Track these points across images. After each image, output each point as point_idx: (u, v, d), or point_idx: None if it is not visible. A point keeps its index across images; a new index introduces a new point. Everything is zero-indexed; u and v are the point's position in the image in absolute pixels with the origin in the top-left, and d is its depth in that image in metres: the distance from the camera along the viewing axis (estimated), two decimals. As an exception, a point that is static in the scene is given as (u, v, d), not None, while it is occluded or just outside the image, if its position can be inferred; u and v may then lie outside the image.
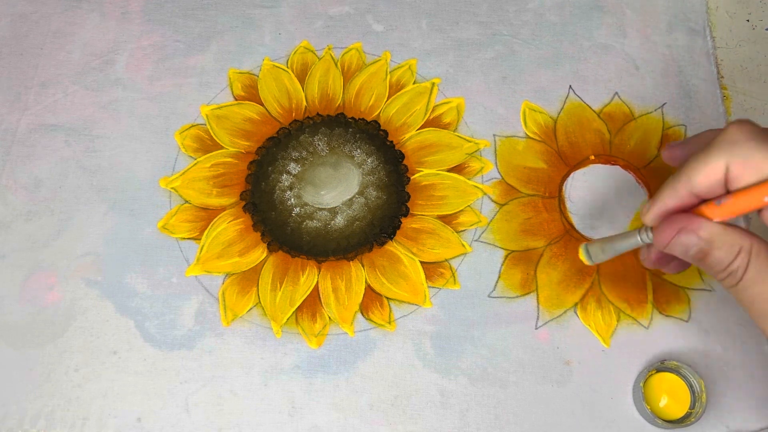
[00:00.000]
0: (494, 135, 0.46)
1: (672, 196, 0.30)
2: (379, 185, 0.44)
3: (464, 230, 0.43)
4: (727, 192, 0.29)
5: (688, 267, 0.35)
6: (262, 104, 0.47)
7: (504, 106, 0.47)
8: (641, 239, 0.33)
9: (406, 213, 0.44)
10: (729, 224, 0.30)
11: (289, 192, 0.44)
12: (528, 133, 0.46)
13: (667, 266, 0.35)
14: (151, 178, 0.45)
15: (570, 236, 0.43)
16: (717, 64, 0.49)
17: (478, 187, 0.44)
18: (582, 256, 0.36)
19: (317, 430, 0.39)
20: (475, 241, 0.43)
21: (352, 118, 0.46)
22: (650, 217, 0.31)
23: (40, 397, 0.39)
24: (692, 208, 0.30)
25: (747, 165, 0.27)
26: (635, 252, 0.43)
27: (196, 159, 0.45)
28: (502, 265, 0.42)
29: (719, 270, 0.30)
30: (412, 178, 0.45)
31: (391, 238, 0.43)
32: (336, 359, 0.40)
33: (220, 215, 0.44)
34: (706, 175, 0.29)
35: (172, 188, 0.45)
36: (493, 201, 0.44)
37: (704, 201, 0.30)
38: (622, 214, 0.44)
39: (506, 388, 0.40)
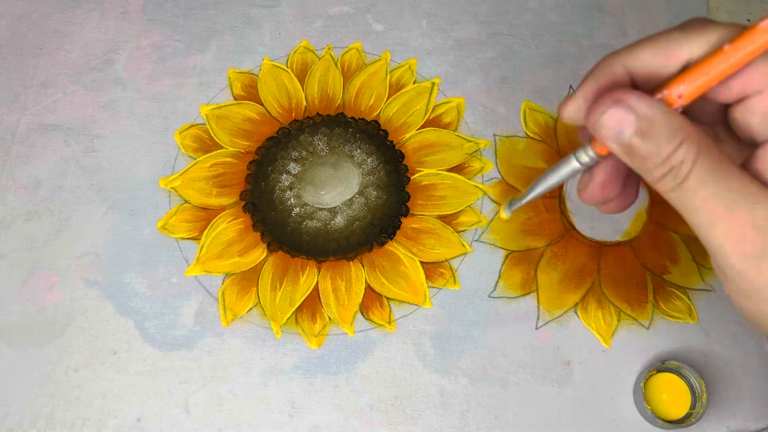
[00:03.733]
0: (494, 135, 0.46)
1: (603, 74, 0.26)
2: (379, 185, 0.44)
3: (464, 230, 0.43)
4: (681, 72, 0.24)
5: (630, 204, 0.29)
6: (261, 104, 0.47)
7: (504, 106, 0.47)
8: (578, 161, 0.27)
9: (406, 213, 0.44)
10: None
11: (289, 192, 0.44)
12: (528, 133, 0.46)
13: (607, 204, 0.28)
14: (151, 178, 0.45)
15: (570, 236, 0.43)
16: (717, 64, 0.49)
17: (478, 187, 0.44)
18: (501, 213, 0.30)
19: (317, 430, 0.39)
20: (475, 241, 0.43)
21: (352, 117, 0.46)
22: (570, 105, 0.26)
23: (40, 397, 0.39)
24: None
25: (695, 42, 0.24)
26: (636, 253, 0.43)
27: (195, 159, 0.45)
28: (502, 265, 0.42)
29: (657, 162, 0.24)
30: (412, 178, 0.45)
31: (391, 238, 0.43)
32: (336, 359, 0.40)
33: (219, 215, 0.44)
34: (655, 47, 0.25)
35: (171, 188, 0.45)
36: (493, 201, 0.44)
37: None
38: (623, 214, 0.44)
39: (506, 388, 0.39)
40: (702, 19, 0.24)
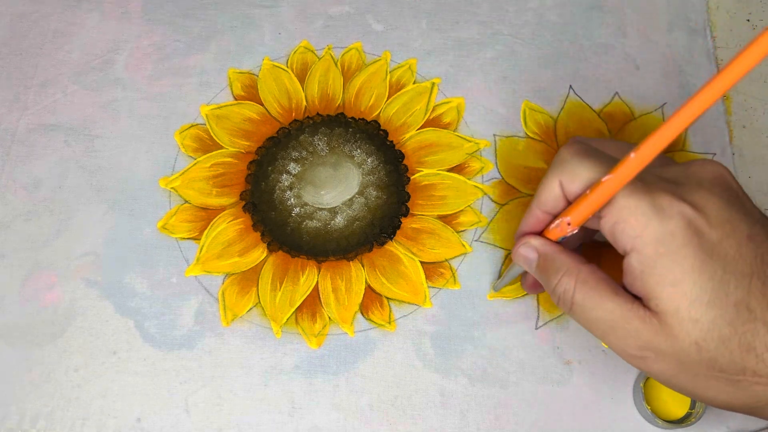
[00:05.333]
0: (494, 135, 0.46)
1: (529, 216, 0.33)
2: (379, 185, 0.44)
3: (464, 230, 0.43)
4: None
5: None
6: (262, 104, 0.47)
7: (504, 106, 0.47)
8: (519, 266, 0.36)
9: (406, 213, 0.44)
10: (566, 249, 0.32)
11: (289, 192, 0.44)
12: (528, 133, 0.46)
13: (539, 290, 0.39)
14: (151, 178, 0.45)
15: (570, 236, 0.43)
16: (717, 64, 0.49)
17: (478, 187, 0.44)
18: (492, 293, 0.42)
19: (317, 430, 0.39)
20: (475, 241, 0.43)
21: (352, 117, 0.46)
22: (515, 238, 0.35)
23: (40, 397, 0.39)
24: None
25: (574, 179, 0.30)
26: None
27: (195, 159, 0.45)
28: (502, 265, 0.42)
29: (550, 292, 0.32)
30: (412, 178, 0.45)
31: (391, 238, 0.43)
32: (336, 359, 0.40)
33: (219, 215, 0.44)
34: (546, 194, 0.32)
35: (171, 188, 0.45)
36: (493, 201, 0.44)
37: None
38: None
39: (506, 388, 0.40)
40: (581, 151, 0.31)
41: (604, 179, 0.28)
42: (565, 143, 0.32)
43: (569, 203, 0.31)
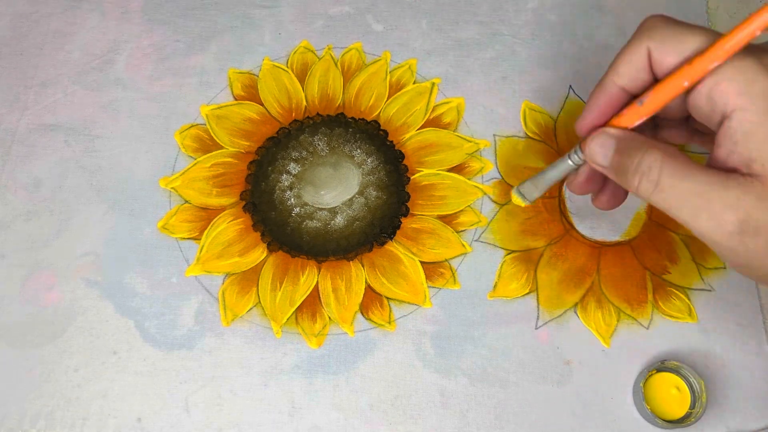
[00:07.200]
0: (494, 135, 0.46)
1: (601, 92, 0.30)
2: (379, 185, 0.44)
3: (464, 230, 0.43)
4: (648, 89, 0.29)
5: (620, 202, 0.35)
6: (262, 104, 0.47)
7: (504, 106, 0.47)
8: (571, 161, 0.33)
9: (406, 213, 0.44)
10: (642, 134, 0.29)
11: (289, 192, 0.44)
12: (528, 133, 0.46)
13: (598, 199, 0.35)
14: (151, 178, 0.45)
15: (570, 236, 0.43)
16: (717, 64, 0.49)
17: (478, 187, 0.44)
18: (516, 199, 0.37)
19: (317, 430, 0.39)
20: (475, 241, 0.43)
21: (352, 118, 0.46)
22: (582, 123, 0.31)
23: (40, 397, 0.39)
24: (622, 108, 0.30)
25: (666, 47, 0.27)
26: (636, 253, 0.43)
27: (196, 159, 0.45)
28: (502, 265, 0.42)
29: (634, 173, 0.28)
30: (412, 178, 0.45)
31: (391, 238, 0.43)
32: (336, 359, 0.40)
33: (219, 215, 0.44)
34: (629, 62, 0.28)
35: (172, 188, 0.45)
36: (493, 201, 0.44)
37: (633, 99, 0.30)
38: (622, 215, 0.44)
39: (506, 388, 0.40)
40: (655, 24, 0.28)
41: (709, 48, 0.25)
42: (651, 15, 0.29)
43: (655, 80, 0.28)
